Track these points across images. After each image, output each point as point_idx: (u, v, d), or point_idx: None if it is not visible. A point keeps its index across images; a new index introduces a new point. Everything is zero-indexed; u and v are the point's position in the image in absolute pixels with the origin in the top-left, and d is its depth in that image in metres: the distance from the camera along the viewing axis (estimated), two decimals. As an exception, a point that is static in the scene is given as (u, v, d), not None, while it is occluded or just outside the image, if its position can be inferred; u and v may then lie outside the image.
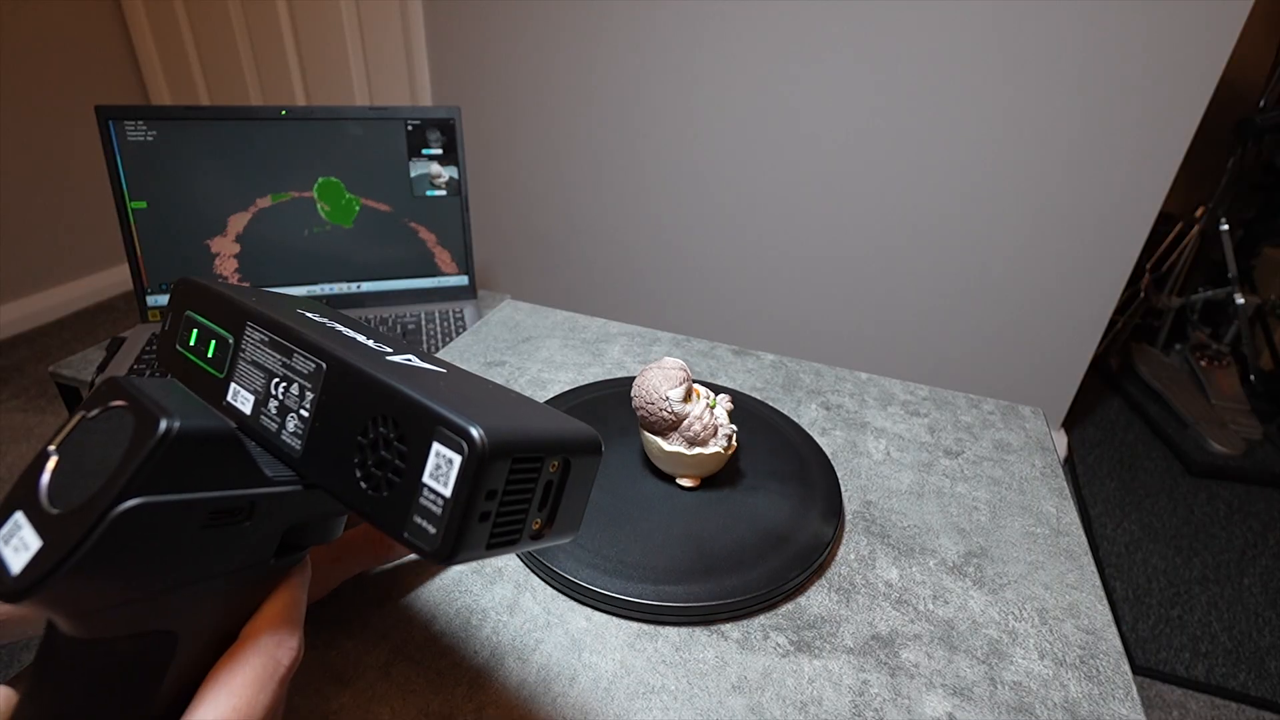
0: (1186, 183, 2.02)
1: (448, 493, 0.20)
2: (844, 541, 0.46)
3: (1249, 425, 1.83)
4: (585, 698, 0.35)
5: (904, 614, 0.41)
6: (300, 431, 0.24)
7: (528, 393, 0.61)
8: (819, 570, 0.43)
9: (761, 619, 0.40)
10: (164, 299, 0.95)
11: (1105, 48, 1.27)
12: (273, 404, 0.25)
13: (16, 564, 0.19)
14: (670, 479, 0.48)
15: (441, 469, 0.20)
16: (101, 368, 0.87)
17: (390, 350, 0.27)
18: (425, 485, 0.20)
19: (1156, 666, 1.23)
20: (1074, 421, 1.90)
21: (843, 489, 0.51)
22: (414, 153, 0.98)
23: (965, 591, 0.43)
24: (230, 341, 0.26)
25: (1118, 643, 0.40)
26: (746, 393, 0.61)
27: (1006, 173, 1.42)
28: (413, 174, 0.99)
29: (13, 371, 1.83)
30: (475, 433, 0.20)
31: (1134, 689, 0.37)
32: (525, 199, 1.89)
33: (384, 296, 1.02)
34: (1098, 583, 0.44)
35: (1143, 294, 1.99)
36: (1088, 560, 0.45)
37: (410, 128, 0.97)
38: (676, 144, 1.66)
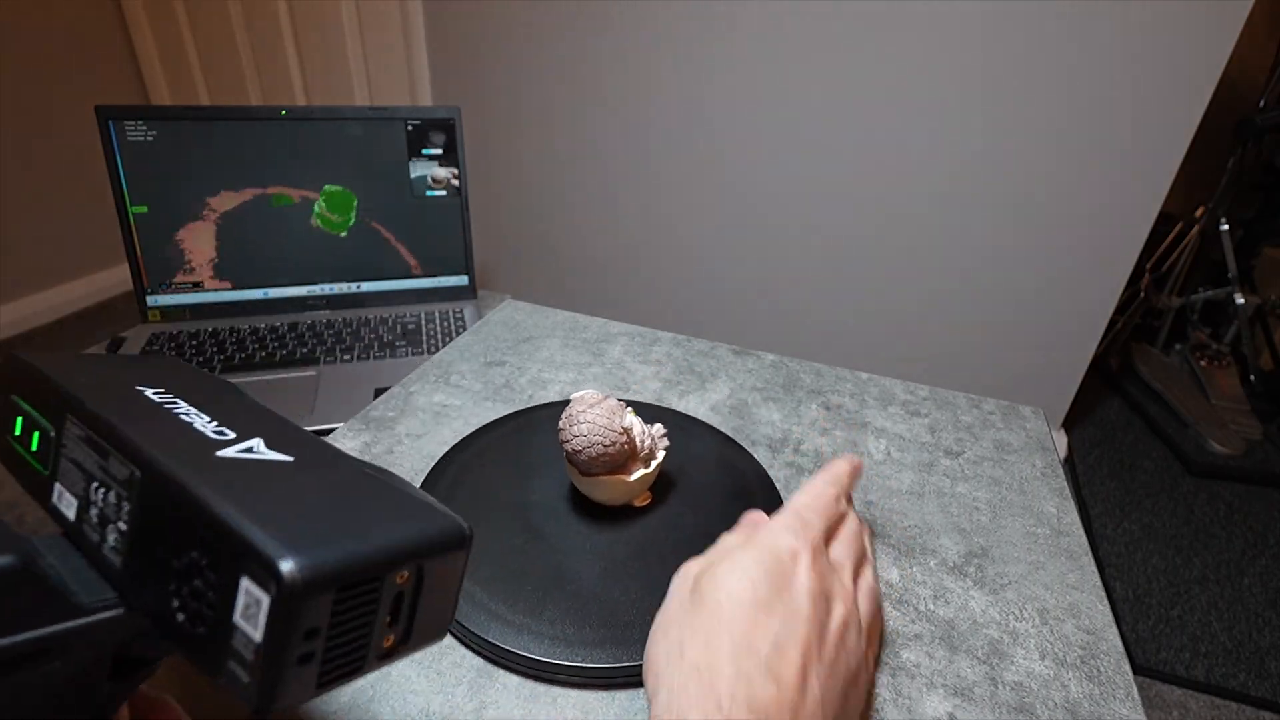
0: (1186, 183, 2.01)
1: (258, 638, 0.17)
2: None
3: (1249, 425, 1.83)
4: (587, 697, 0.35)
5: (905, 614, 0.41)
6: (119, 546, 0.20)
7: (528, 393, 0.61)
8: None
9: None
10: (164, 299, 0.95)
11: (1105, 47, 1.27)
12: (93, 511, 0.21)
13: None
14: (608, 515, 0.45)
15: (251, 609, 0.17)
16: (101, 368, 0.87)
17: (233, 435, 0.23)
18: (236, 627, 0.17)
19: (1156, 666, 1.23)
20: (1074, 421, 1.90)
21: (843, 489, 0.51)
22: (414, 153, 0.98)
23: (966, 591, 0.43)
24: (51, 435, 0.23)
25: (1118, 643, 0.40)
26: (698, 417, 0.61)
27: (1007, 173, 1.42)
28: (413, 174, 0.99)
29: (13, 371, 1.83)
30: (285, 567, 0.17)
31: (1135, 689, 0.37)
32: (525, 199, 1.89)
33: (384, 296, 1.01)
34: (1098, 583, 0.44)
35: (1143, 294, 1.99)
36: (1088, 560, 0.45)
37: (410, 128, 0.97)
38: (677, 144, 1.66)
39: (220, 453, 0.21)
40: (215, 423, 0.24)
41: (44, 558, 0.21)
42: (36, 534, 0.22)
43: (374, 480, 0.23)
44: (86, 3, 2.00)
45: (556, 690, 0.35)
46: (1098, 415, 1.95)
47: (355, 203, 0.98)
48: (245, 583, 0.17)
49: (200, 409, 0.25)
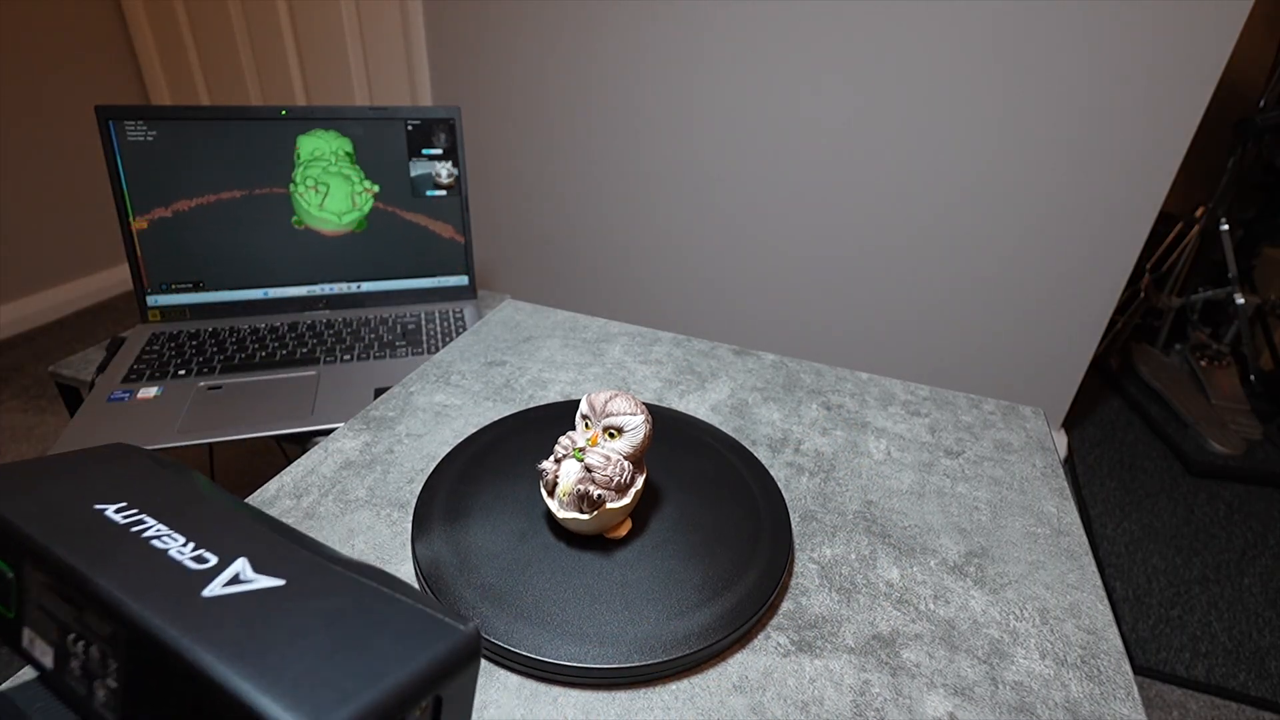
0: (1186, 183, 2.02)
1: None
2: (845, 541, 0.46)
3: (1249, 425, 1.83)
4: (587, 696, 0.35)
5: (905, 614, 0.41)
6: (112, 703, 0.18)
7: (528, 393, 0.60)
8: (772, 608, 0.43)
9: (763, 618, 0.40)
10: (164, 299, 0.94)
11: (1105, 47, 1.27)
12: (75, 664, 0.19)
13: None
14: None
15: None
16: (101, 368, 0.87)
17: (214, 560, 0.21)
18: None
19: (1156, 666, 1.23)
20: (1074, 421, 1.90)
21: (843, 490, 0.51)
22: (414, 153, 0.98)
23: (966, 591, 0.43)
24: (10, 577, 0.21)
25: (1118, 642, 0.40)
26: (699, 417, 0.61)
27: (1006, 173, 1.42)
28: (413, 174, 0.99)
29: (13, 371, 1.83)
30: None
31: (1135, 689, 0.37)
32: (525, 199, 1.89)
33: (384, 296, 1.02)
34: (1098, 582, 0.44)
35: (1143, 294, 1.99)
36: (1088, 560, 0.45)
37: (410, 128, 0.97)
38: (676, 144, 1.66)
39: (206, 591, 0.19)
40: (191, 544, 0.21)
41: (28, 715, 0.18)
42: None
43: (372, 593, 0.21)
44: (86, 3, 2.00)
45: (557, 690, 0.35)
46: (1098, 415, 1.95)
47: (362, 179, 0.97)
48: None
49: (171, 525, 0.22)
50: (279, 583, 0.20)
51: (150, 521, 0.22)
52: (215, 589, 0.19)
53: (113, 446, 0.27)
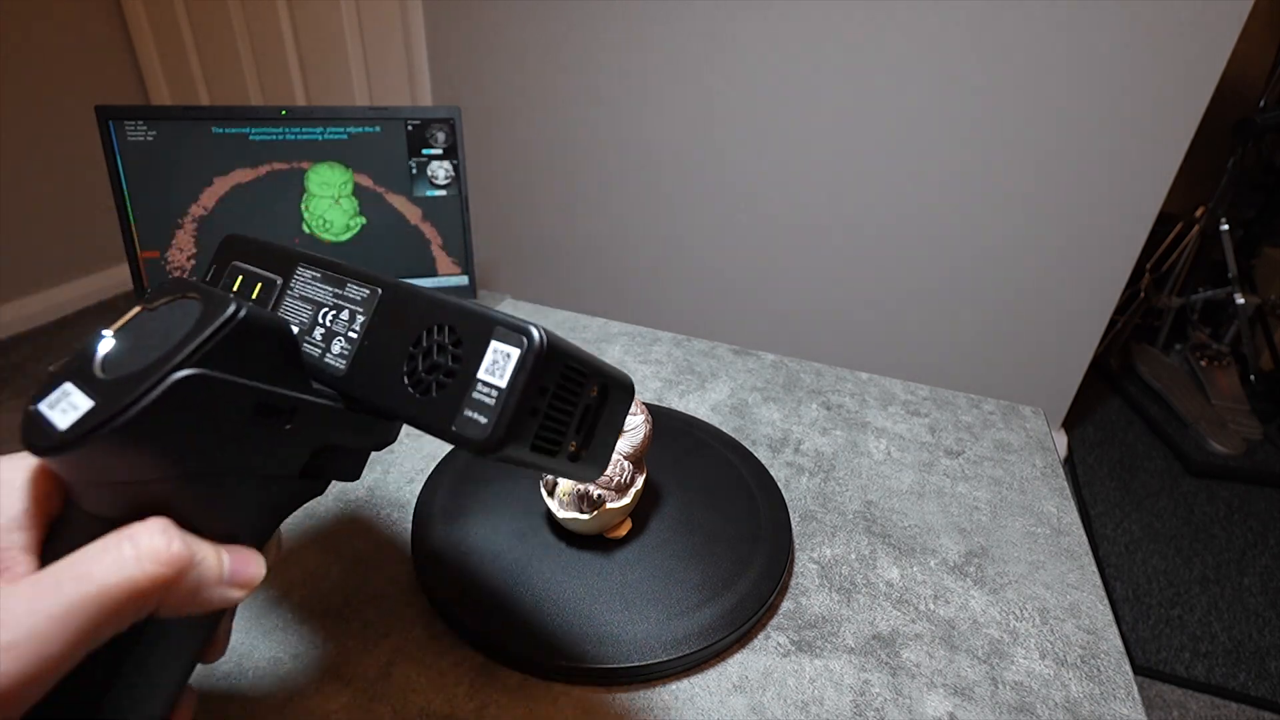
0: (1186, 183, 2.01)
1: (503, 383, 0.21)
2: (845, 541, 0.46)
3: (1249, 425, 1.83)
4: (587, 696, 0.35)
5: (905, 614, 0.41)
6: (346, 352, 0.25)
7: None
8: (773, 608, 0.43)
9: (763, 618, 0.40)
10: (164, 299, 0.95)
11: (1105, 47, 1.27)
12: (318, 332, 0.26)
13: (64, 422, 0.19)
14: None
15: (498, 364, 0.22)
16: (102, 367, 0.87)
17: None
18: (479, 380, 0.22)
19: (1156, 666, 1.23)
20: (1074, 421, 1.90)
21: (843, 490, 0.51)
22: (414, 152, 0.98)
23: (966, 591, 0.43)
24: (278, 282, 0.28)
25: (1118, 642, 0.40)
26: (699, 417, 0.61)
27: (1007, 173, 1.42)
28: (413, 174, 0.99)
29: (13, 371, 1.83)
30: (535, 331, 0.21)
31: (1135, 689, 0.37)
32: (525, 199, 1.89)
33: (384, 296, 1.02)
34: (1098, 582, 0.44)
35: (1143, 294, 1.99)
36: (1088, 560, 0.45)
37: (410, 128, 0.97)
38: (676, 143, 1.66)
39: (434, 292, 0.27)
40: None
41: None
42: None
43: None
44: (86, 3, 2.00)
45: (558, 689, 0.35)
46: (1098, 415, 1.95)
47: (351, 178, 0.97)
48: (495, 344, 0.22)
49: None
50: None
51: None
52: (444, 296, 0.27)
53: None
